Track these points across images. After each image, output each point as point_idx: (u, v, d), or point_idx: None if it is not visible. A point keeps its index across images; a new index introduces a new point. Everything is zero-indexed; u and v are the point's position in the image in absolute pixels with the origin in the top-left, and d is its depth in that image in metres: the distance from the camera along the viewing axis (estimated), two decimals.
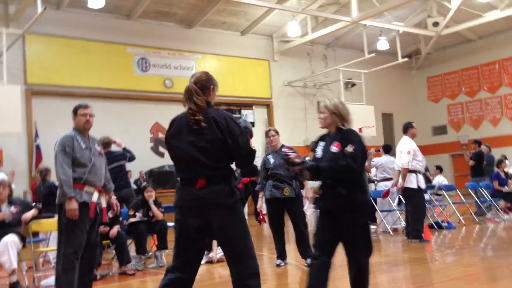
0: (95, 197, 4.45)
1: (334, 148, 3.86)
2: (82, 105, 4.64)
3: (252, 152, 3.15)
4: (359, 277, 3.85)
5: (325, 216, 3.83)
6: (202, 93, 3.12)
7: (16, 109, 10.74)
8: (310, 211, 6.09)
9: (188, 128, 3.07)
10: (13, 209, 5.85)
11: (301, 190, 6.27)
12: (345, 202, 3.73)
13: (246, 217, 14.24)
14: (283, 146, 6.24)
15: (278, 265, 6.11)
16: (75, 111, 4.59)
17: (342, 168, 3.72)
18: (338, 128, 3.94)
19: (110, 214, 6.32)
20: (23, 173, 12.78)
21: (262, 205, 6.45)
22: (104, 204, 4.64)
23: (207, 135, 3.00)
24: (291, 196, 5.96)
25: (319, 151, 4.00)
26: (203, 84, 3.16)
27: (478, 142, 12.03)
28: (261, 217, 6.17)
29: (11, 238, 5.43)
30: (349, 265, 3.85)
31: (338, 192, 3.75)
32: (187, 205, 3.05)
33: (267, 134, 6.36)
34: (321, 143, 4.02)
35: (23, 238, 5.69)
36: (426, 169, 11.06)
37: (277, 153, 6.16)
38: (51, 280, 5.52)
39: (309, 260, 5.98)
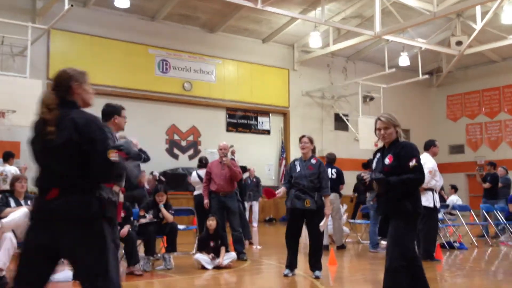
0: (121, 197, 4.56)
1: (387, 161, 4.09)
2: (122, 106, 4.82)
3: (110, 163, 2.60)
4: (387, 279, 3.95)
5: (383, 221, 4.25)
6: (65, 94, 2.74)
7: (36, 103, 10.86)
8: (323, 228, 5.98)
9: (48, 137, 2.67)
10: (30, 203, 5.96)
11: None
12: (394, 208, 4.04)
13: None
14: (312, 156, 6.10)
15: (285, 275, 6.05)
16: (118, 112, 4.72)
17: (411, 181, 3.98)
18: (394, 141, 4.16)
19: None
20: None
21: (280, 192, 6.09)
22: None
23: (61, 138, 2.59)
24: (312, 208, 5.86)
25: (374, 164, 4.26)
26: (64, 85, 2.76)
27: (493, 164, 11.88)
28: (273, 193, 5.97)
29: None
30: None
31: (389, 200, 4.06)
32: (36, 218, 2.66)
33: (300, 140, 6.14)
34: (377, 156, 4.28)
35: None
36: (442, 188, 10.94)
37: (305, 162, 6.03)
38: (62, 275, 5.58)
39: (317, 272, 5.95)
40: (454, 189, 13.37)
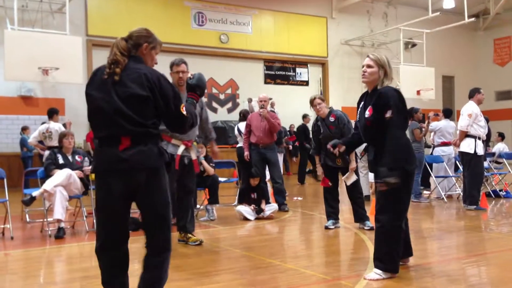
0: (180, 150, 4.83)
1: (367, 113, 3.75)
2: (174, 62, 4.96)
3: (183, 118, 2.78)
4: (377, 240, 3.74)
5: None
6: (132, 49, 2.79)
7: (78, 60, 11.05)
8: (349, 182, 5.81)
9: (113, 80, 2.68)
10: (77, 158, 6.17)
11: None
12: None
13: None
14: (331, 112, 5.99)
15: (327, 228, 5.94)
16: (170, 67, 4.93)
17: (392, 144, 3.56)
18: (375, 87, 3.79)
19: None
20: (83, 122, 13.26)
21: (322, 171, 6.08)
22: (194, 157, 4.97)
23: (135, 89, 2.65)
24: (343, 166, 5.85)
25: (358, 115, 3.95)
26: (136, 41, 2.80)
27: None
28: (327, 182, 5.97)
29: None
30: None
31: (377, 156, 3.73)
32: (108, 169, 2.69)
33: (312, 103, 5.97)
34: (361, 105, 3.94)
35: (86, 185, 6.00)
36: (488, 137, 10.54)
37: (325, 121, 5.96)
38: None
39: (369, 223, 5.79)
40: (501, 136, 12.92)
